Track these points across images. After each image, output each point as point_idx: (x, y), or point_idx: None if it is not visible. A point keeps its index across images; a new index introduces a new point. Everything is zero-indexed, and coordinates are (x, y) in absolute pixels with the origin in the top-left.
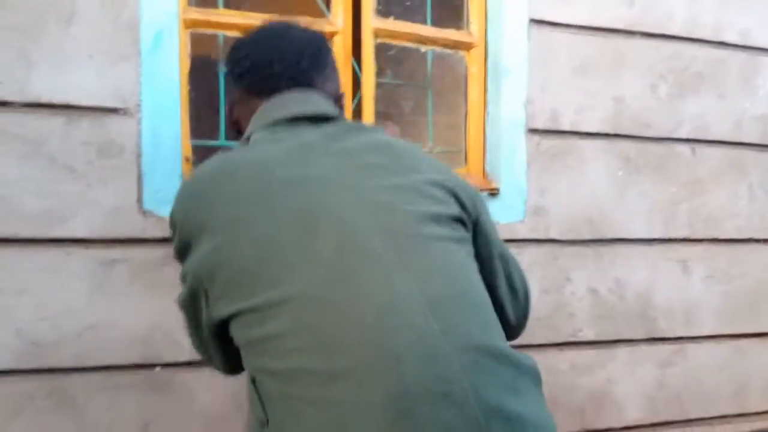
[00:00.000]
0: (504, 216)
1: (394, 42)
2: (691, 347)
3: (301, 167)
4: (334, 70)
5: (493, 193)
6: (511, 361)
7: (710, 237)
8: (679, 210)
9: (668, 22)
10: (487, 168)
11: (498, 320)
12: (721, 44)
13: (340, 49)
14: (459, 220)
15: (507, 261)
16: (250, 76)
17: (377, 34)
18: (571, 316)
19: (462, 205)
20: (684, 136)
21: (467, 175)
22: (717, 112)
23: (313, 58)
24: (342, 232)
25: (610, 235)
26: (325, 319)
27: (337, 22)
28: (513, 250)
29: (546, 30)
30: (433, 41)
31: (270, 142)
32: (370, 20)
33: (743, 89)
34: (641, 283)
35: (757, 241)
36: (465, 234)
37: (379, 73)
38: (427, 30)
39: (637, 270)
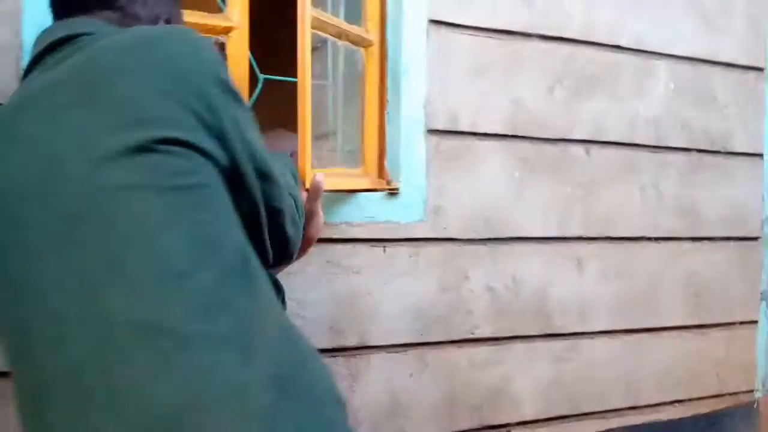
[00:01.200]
0: (404, 216)
1: (321, 34)
2: (585, 343)
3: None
4: None
5: (393, 192)
6: None
7: (604, 235)
8: (574, 209)
9: (565, 24)
10: (387, 168)
11: None
12: (616, 47)
13: (237, 45)
14: None
15: None
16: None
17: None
18: (468, 314)
19: None
20: (579, 137)
21: (364, 175)
22: (611, 114)
23: None
24: None
25: (507, 234)
26: None
27: (233, 16)
28: (412, 250)
29: (445, 31)
30: (346, 36)
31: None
32: (307, 9)
33: (636, 92)
34: (537, 281)
35: (649, 239)
36: None
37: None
38: (346, 25)
39: (533, 268)
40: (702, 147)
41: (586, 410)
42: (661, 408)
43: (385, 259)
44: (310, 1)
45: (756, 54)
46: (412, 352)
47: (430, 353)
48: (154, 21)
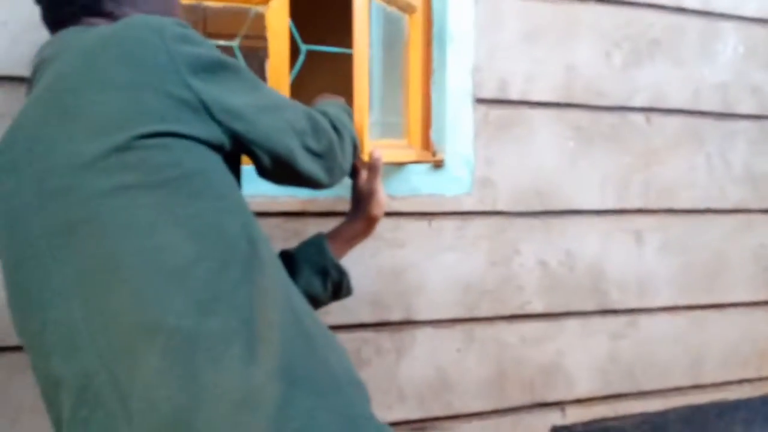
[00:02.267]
0: (450, 189)
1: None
2: (644, 319)
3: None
4: None
5: (438, 165)
6: None
7: (665, 208)
8: (633, 181)
9: None
10: (432, 139)
11: None
12: (680, 10)
13: (277, 16)
14: None
15: None
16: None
17: None
18: (519, 289)
19: None
20: (639, 105)
21: (409, 146)
22: (674, 80)
23: None
24: None
25: (560, 207)
26: None
27: None
28: (459, 223)
29: None
30: (395, 1)
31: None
32: None
33: (702, 56)
34: (593, 255)
35: (714, 211)
36: None
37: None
38: None
39: (588, 242)
40: None
41: (646, 389)
42: (726, 387)
43: (430, 232)
44: None
45: None
46: (460, 327)
47: (479, 328)
48: None
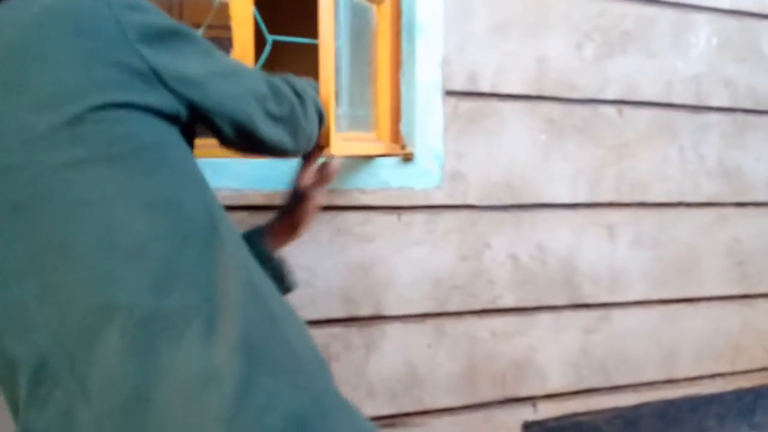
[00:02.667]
0: (419, 182)
1: None
2: (617, 313)
3: None
4: None
5: (408, 158)
6: None
7: (638, 201)
8: (605, 174)
9: None
10: (402, 132)
11: None
12: (652, 1)
13: (242, 5)
14: None
15: None
16: None
17: None
18: (490, 283)
19: None
20: (611, 97)
21: (377, 139)
22: (646, 72)
23: None
24: None
25: (531, 201)
26: None
27: None
28: (429, 217)
29: None
30: None
31: None
32: None
33: (674, 48)
34: (565, 249)
35: (688, 205)
36: None
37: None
38: None
39: (560, 235)
40: (747, 107)
41: (619, 383)
42: (700, 381)
43: (399, 226)
44: None
45: None
46: (430, 322)
47: (449, 323)
48: None
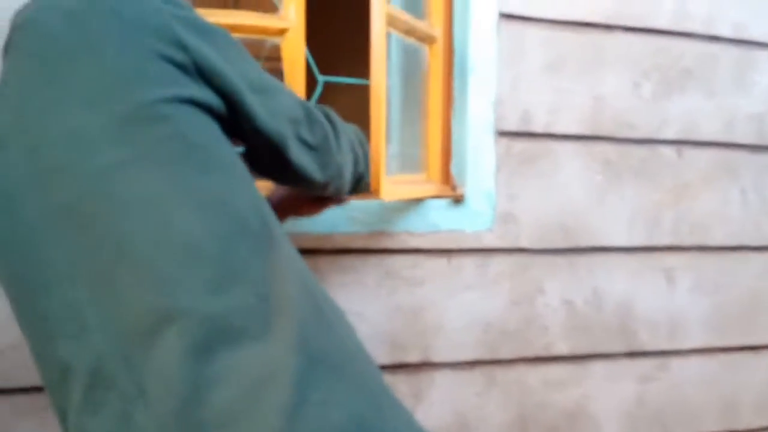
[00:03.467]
0: (470, 224)
1: (394, 31)
2: (675, 361)
3: None
4: None
5: (458, 200)
6: None
7: (697, 245)
8: (664, 216)
9: (653, 14)
10: (452, 173)
11: None
12: (713, 38)
13: (293, 47)
14: None
15: None
16: None
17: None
18: (543, 330)
19: None
20: (669, 137)
21: (427, 180)
22: (706, 111)
23: None
24: None
25: (586, 244)
26: None
27: (288, 16)
28: (480, 260)
29: (517, 24)
30: (414, 33)
31: None
32: (383, 6)
33: (736, 86)
34: (621, 294)
35: (750, 248)
36: None
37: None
38: (415, 20)
39: (616, 280)
40: None
41: None
42: None
43: (449, 270)
44: None
45: None
46: (480, 370)
47: (500, 371)
48: None
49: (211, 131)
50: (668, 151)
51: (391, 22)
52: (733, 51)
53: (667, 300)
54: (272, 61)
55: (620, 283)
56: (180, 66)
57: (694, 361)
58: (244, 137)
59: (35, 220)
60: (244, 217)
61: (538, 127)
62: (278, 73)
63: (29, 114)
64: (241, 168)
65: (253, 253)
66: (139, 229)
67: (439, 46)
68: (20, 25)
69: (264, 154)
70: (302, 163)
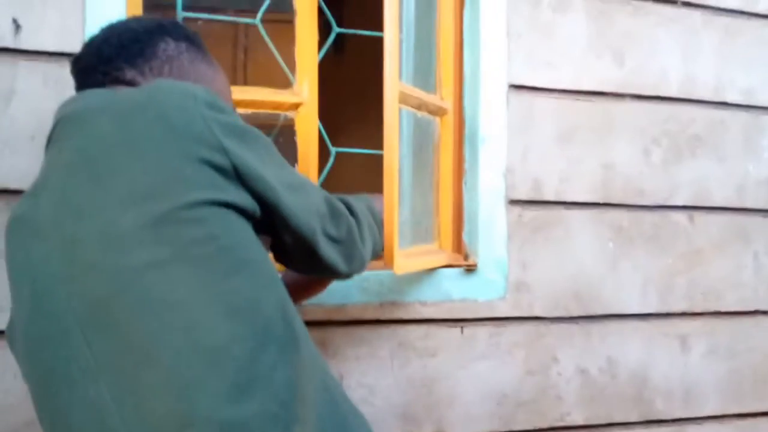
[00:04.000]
0: (483, 293)
1: (405, 108)
2: (691, 429)
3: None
4: (182, 62)
5: (471, 269)
6: None
7: (711, 310)
8: (677, 282)
9: (662, 82)
10: (464, 242)
11: None
12: (722, 104)
13: (307, 121)
14: None
15: None
16: (73, 74)
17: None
18: (558, 399)
19: None
20: (681, 203)
21: (439, 250)
22: (717, 176)
23: (123, 44)
24: None
25: (600, 311)
26: None
27: (302, 92)
28: (493, 330)
29: (526, 95)
30: (426, 107)
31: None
32: (396, 84)
33: (746, 151)
34: (636, 362)
35: (764, 313)
36: None
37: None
38: (426, 96)
39: (630, 347)
40: None
41: None
42: None
43: (462, 340)
44: (397, 75)
45: None
46: None
47: None
48: None
49: (243, 233)
50: (680, 217)
51: (404, 99)
52: (742, 116)
53: (681, 366)
54: (285, 133)
55: (634, 350)
56: (220, 169)
57: (710, 428)
58: (276, 234)
59: (65, 314)
60: (271, 320)
61: (549, 195)
62: (292, 144)
63: (70, 208)
64: (269, 267)
65: (277, 358)
66: (166, 331)
67: (450, 117)
68: (67, 120)
69: (295, 250)
70: (330, 257)
